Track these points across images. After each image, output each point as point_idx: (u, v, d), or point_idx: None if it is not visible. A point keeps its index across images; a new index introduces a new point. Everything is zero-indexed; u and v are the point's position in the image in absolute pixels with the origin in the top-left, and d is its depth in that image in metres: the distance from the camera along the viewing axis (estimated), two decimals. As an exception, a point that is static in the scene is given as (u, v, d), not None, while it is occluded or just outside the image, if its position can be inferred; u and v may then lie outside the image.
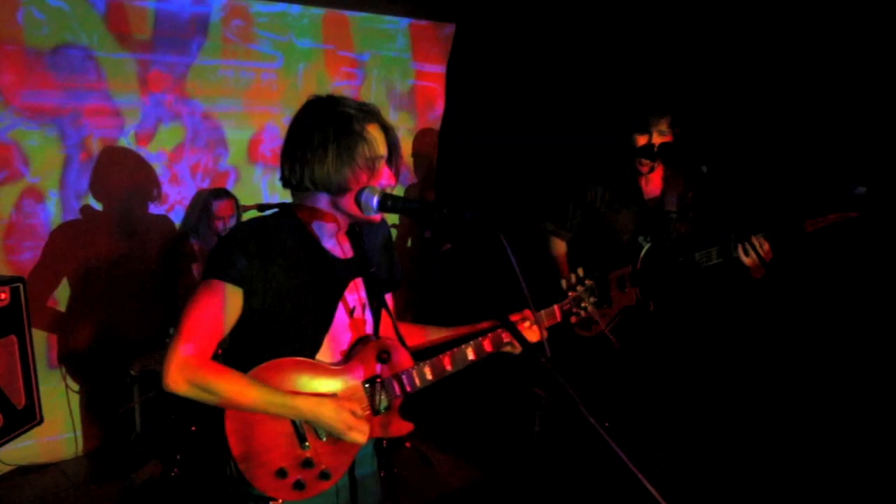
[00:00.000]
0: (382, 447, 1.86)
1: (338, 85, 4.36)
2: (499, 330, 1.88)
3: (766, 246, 2.45)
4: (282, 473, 1.60)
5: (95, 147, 3.60)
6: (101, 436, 3.83)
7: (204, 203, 3.60)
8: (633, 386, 2.69)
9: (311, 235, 1.66)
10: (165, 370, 1.51)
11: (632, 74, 3.45)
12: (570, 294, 2.02)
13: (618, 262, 2.72)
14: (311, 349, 1.64)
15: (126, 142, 3.67)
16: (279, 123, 4.13)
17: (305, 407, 1.58)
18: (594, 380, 2.63)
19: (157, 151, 3.78)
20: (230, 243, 1.58)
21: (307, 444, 1.62)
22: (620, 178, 2.80)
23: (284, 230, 1.63)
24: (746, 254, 2.45)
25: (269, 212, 1.72)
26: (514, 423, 3.61)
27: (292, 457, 1.62)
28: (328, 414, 1.58)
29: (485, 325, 1.95)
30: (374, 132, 1.61)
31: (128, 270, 3.79)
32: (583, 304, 2.02)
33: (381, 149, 1.62)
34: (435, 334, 1.99)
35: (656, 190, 2.77)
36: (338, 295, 1.68)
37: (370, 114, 1.62)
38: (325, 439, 1.64)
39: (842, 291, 2.79)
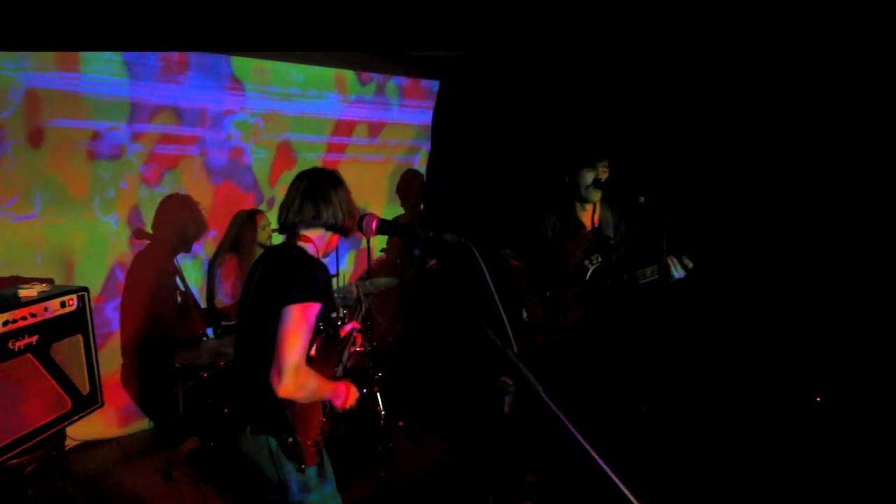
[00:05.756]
0: None
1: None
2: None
3: (692, 264, 2.84)
4: (315, 443, 1.92)
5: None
6: (152, 416, 4.26)
7: (248, 219, 3.95)
8: (586, 379, 3.00)
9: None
10: (283, 380, 1.69)
11: (583, 121, 3.97)
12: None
13: (567, 283, 3.07)
14: None
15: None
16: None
17: (341, 388, 2.00)
18: (552, 376, 2.87)
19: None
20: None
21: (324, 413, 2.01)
22: (567, 210, 3.16)
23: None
24: (678, 270, 2.81)
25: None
26: (486, 407, 3.85)
27: (320, 426, 1.97)
28: (353, 391, 2.05)
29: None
30: None
31: (173, 282, 4.27)
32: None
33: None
34: None
35: (596, 220, 3.15)
36: None
37: None
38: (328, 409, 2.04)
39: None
